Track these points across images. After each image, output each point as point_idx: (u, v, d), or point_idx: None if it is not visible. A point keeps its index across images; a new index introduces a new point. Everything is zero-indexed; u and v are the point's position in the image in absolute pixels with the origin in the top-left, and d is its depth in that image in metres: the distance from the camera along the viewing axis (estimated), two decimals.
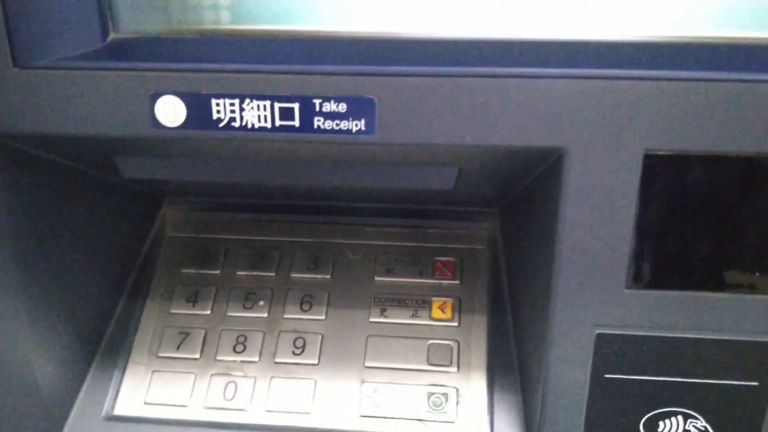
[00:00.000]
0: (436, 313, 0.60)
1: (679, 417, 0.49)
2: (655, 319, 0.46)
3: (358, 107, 0.42)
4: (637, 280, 0.45)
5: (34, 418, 0.54)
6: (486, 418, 0.55)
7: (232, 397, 0.57)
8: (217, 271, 0.64)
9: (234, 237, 0.65)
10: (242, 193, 0.65)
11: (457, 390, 0.56)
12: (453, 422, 0.55)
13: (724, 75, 0.40)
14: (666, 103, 0.40)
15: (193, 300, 0.62)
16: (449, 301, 0.61)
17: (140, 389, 0.58)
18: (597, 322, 0.47)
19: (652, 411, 0.49)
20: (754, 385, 0.47)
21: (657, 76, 0.40)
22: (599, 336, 0.47)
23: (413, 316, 0.60)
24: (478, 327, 0.59)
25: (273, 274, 0.63)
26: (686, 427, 0.49)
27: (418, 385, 0.57)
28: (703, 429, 0.49)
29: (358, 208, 0.65)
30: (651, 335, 0.46)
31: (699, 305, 0.45)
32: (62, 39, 0.43)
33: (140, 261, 0.65)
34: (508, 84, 0.41)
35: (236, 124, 0.43)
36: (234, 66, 0.42)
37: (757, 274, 0.44)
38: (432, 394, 0.56)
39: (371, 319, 0.60)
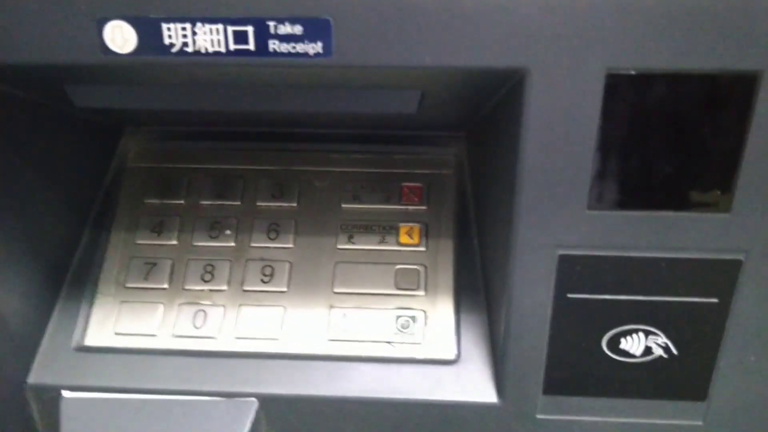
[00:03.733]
0: (404, 238, 0.60)
1: (641, 334, 0.50)
2: (617, 240, 0.46)
3: (314, 29, 0.41)
4: (598, 200, 0.45)
5: (3, 350, 0.54)
6: (453, 338, 0.56)
7: (202, 326, 0.57)
8: (181, 201, 0.63)
9: (196, 166, 0.64)
10: (203, 121, 0.64)
11: (425, 312, 0.57)
12: (420, 343, 0.56)
13: None
14: (628, 21, 0.40)
15: (158, 230, 0.62)
16: (416, 226, 0.61)
17: (109, 320, 0.58)
18: (559, 243, 0.47)
19: (615, 329, 0.50)
20: (714, 302, 0.48)
21: None
22: (562, 257, 0.47)
23: (381, 242, 0.60)
24: (445, 251, 0.59)
25: (238, 202, 0.62)
26: (647, 344, 0.50)
27: (387, 308, 0.57)
28: (663, 345, 0.50)
29: (323, 135, 0.64)
30: (613, 255, 0.47)
31: (660, 224, 0.46)
32: None
33: (102, 192, 0.64)
34: (468, 3, 0.40)
35: (189, 49, 0.42)
36: None
37: (717, 192, 0.45)
38: (400, 317, 0.57)
39: (339, 246, 0.60)
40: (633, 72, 0.41)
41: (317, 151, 0.64)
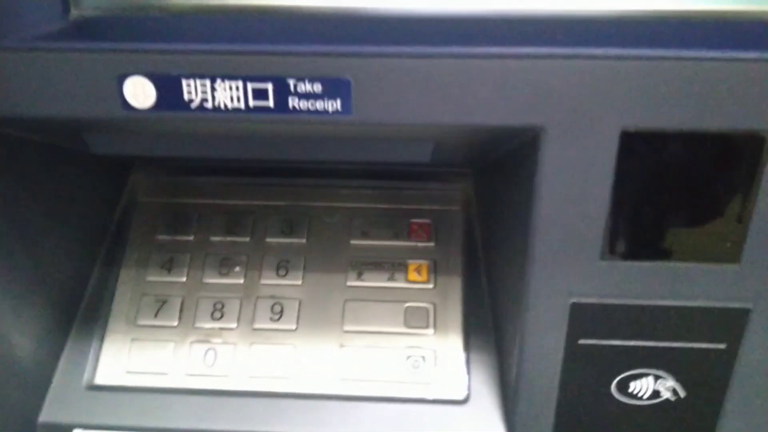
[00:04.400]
0: (412, 275, 0.61)
1: (650, 378, 0.51)
2: (629, 288, 0.47)
3: (334, 87, 0.41)
4: (611, 251, 0.46)
5: (14, 389, 0.55)
6: (463, 378, 0.56)
7: (213, 364, 0.58)
8: (191, 237, 0.63)
9: (206, 202, 0.65)
10: (213, 157, 0.64)
11: (435, 352, 0.57)
12: (430, 383, 0.56)
13: (700, 53, 0.40)
14: (642, 82, 0.40)
15: (169, 267, 0.62)
16: (425, 263, 0.61)
17: (120, 358, 0.58)
18: (572, 292, 0.48)
19: (624, 373, 0.50)
20: (722, 348, 0.49)
21: (634, 55, 0.40)
22: (574, 305, 0.48)
23: (390, 278, 0.61)
24: (454, 289, 0.60)
25: (248, 239, 0.63)
26: (656, 387, 0.51)
27: (396, 347, 0.58)
28: (671, 389, 0.51)
29: (332, 171, 0.64)
30: (624, 303, 0.48)
31: (671, 274, 0.47)
32: (22, 18, 0.41)
33: (113, 228, 0.64)
34: (484, 64, 0.40)
35: (208, 105, 0.42)
36: (204, 46, 0.41)
37: (727, 244, 0.45)
38: (410, 356, 0.57)
39: (348, 283, 0.61)
40: (647, 131, 0.42)
41: (326, 186, 0.65)
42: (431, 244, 0.62)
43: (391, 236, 0.62)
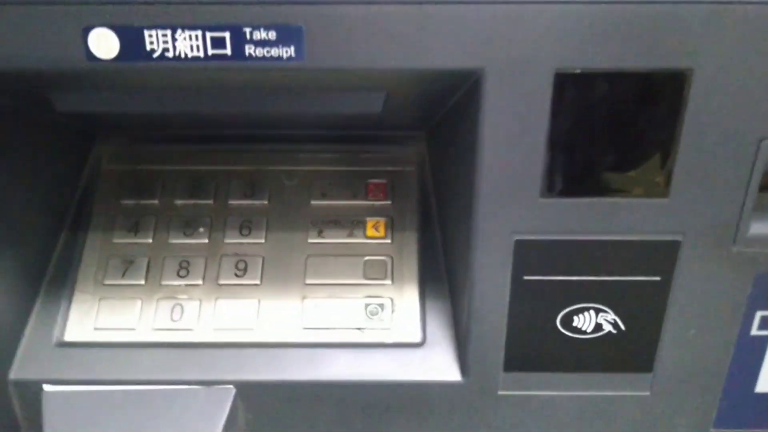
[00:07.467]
0: (371, 231, 0.64)
1: (591, 312, 0.54)
2: (567, 224, 0.51)
3: (287, 35, 0.44)
4: (550, 189, 0.49)
5: None
6: (419, 323, 0.59)
7: (179, 319, 0.60)
8: (156, 201, 0.65)
9: (170, 168, 0.67)
10: (176, 124, 0.66)
11: (392, 300, 0.60)
12: (389, 329, 0.59)
13: None
14: (574, 25, 0.44)
15: (135, 230, 0.64)
16: (382, 220, 0.64)
17: (89, 316, 0.60)
18: (515, 230, 0.51)
19: (568, 307, 0.54)
20: (657, 280, 0.53)
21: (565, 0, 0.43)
22: (517, 242, 0.51)
23: (349, 235, 0.63)
24: (410, 242, 0.63)
25: (211, 202, 0.65)
26: (598, 320, 0.54)
27: (356, 297, 0.61)
28: (612, 321, 0.54)
29: (291, 136, 0.67)
30: (564, 239, 0.51)
31: (606, 210, 0.50)
32: None
33: (79, 195, 0.66)
34: (428, 10, 0.43)
35: (170, 55, 0.45)
36: None
37: (657, 179, 0.49)
38: (369, 305, 0.60)
39: (310, 240, 0.63)
40: (579, 71, 0.45)
41: (286, 151, 0.67)
42: (388, 202, 0.65)
43: (349, 196, 0.65)
